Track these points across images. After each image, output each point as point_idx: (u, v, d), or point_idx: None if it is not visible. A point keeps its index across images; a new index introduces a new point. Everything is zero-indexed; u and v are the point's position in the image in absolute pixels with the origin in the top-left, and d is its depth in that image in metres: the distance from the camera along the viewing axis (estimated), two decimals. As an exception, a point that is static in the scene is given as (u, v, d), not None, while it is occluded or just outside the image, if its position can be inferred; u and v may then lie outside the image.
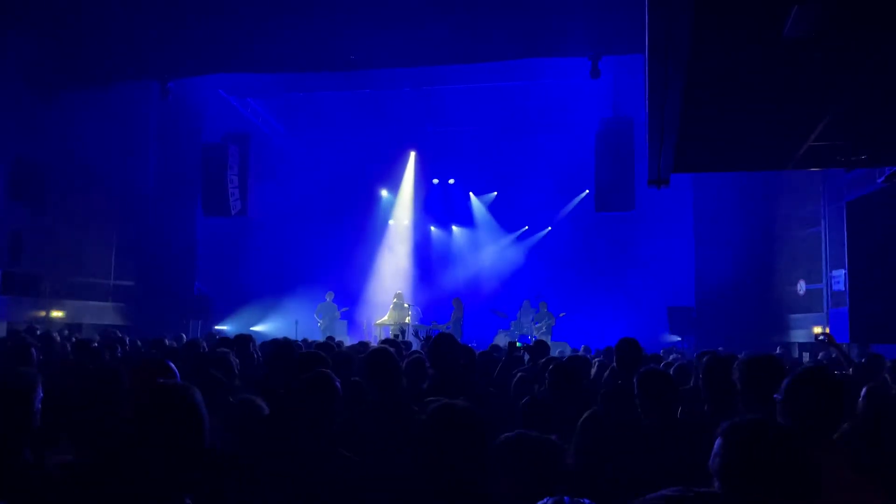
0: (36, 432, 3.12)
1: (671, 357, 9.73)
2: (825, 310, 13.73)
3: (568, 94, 16.33)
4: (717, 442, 2.02)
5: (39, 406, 3.16)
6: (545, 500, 1.72)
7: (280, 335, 12.40)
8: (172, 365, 2.92)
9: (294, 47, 13.25)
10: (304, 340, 9.18)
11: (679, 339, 16.19)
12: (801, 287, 14.63)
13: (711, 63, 4.16)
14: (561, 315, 16.39)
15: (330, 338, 11.44)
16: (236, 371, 5.34)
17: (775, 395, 3.01)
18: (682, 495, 1.76)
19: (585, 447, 3.48)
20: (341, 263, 19.72)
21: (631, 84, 13.95)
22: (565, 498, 1.72)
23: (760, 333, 14.38)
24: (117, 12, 12.67)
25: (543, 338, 14.89)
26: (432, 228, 21.29)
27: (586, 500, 1.72)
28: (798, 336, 14.48)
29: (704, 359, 4.86)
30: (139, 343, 8.79)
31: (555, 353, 9.31)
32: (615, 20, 11.37)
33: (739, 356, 4.36)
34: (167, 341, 9.45)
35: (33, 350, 6.13)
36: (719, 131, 5.66)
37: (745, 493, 1.89)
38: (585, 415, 3.75)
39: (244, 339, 7.19)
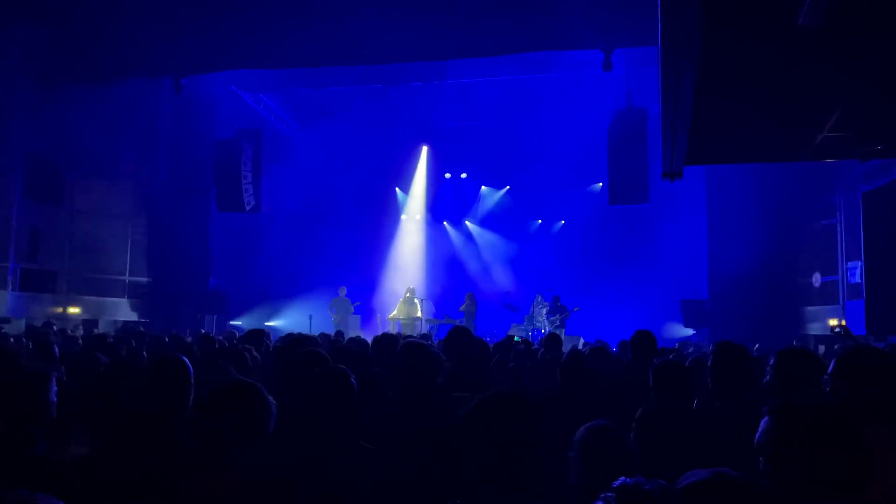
0: (51, 424, 3.17)
1: (688, 350, 9.69)
2: (841, 302, 13.64)
3: (580, 86, 16.26)
4: (766, 420, 2.00)
5: (54, 399, 3.21)
6: (621, 479, 1.74)
7: (294, 330, 12.44)
8: (186, 360, 2.94)
9: (306, 43, 13.27)
10: (321, 335, 9.18)
11: (693, 332, 16.12)
12: (817, 279, 14.54)
13: (724, 54, 4.13)
14: (575, 309, 16.34)
15: (339, 333, 11.48)
16: (251, 365, 5.37)
17: (823, 377, 2.97)
18: (719, 478, 1.74)
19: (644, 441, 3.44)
20: (354, 258, 19.76)
21: (644, 76, 13.88)
22: (640, 478, 1.73)
23: (775, 326, 14.28)
24: (132, 9, 12.74)
25: (557, 332, 14.86)
26: (445, 223, 21.28)
27: (662, 482, 1.73)
28: (814, 329, 14.39)
29: (712, 349, 4.84)
30: (166, 338, 8.83)
31: (568, 346, 9.31)
32: (627, 12, 11.31)
33: (754, 349, 4.32)
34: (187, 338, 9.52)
35: (55, 346, 6.22)
36: (733, 123, 5.62)
37: (794, 472, 1.87)
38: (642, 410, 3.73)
39: (258, 335, 7.22)
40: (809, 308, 14.74)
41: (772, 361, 3.63)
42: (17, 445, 2.82)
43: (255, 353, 5.70)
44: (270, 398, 2.33)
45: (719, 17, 3.66)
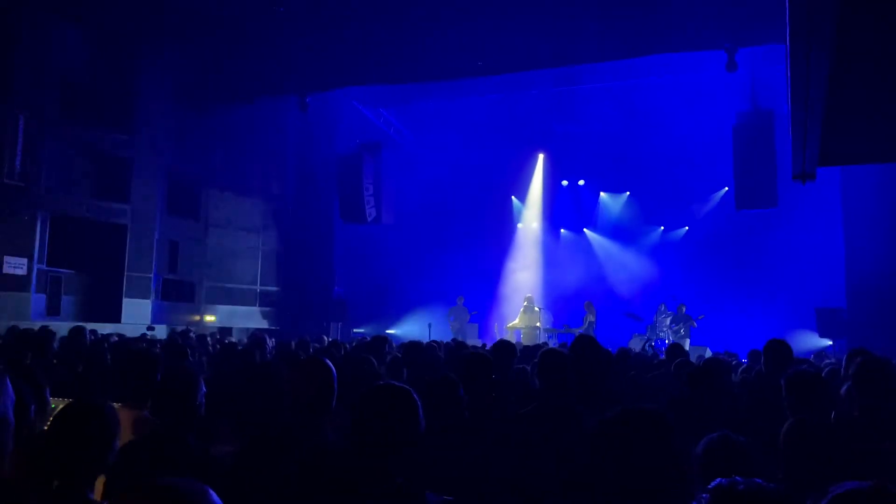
0: (200, 423, 3.40)
1: (824, 363, 9.17)
2: None
3: (701, 88, 15.79)
4: None
5: (203, 399, 3.44)
6: (717, 480, 1.72)
7: (414, 337, 12.72)
8: (329, 362, 3.11)
9: (423, 57, 13.58)
10: (433, 342, 9.36)
11: (830, 342, 15.22)
12: (970, 285, 13.40)
13: (860, 46, 3.93)
14: (700, 318, 15.80)
15: (455, 340, 11.62)
16: (376, 371, 5.57)
17: None
18: (878, 489, 1.67)
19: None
20: (472, 267, 19.92)
21: (769, 74, 13.32)
22: (737, 478, 1.71)
23: (921, 336, 13.26)
24: (258, 31, 13.45)
25: (681, 341, 14.43)
26: (563, 231, 21.10)
27: (758, 480, 1.70)
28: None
29: (857, 359, 4.57)
30: (293, 344, 9.27)
31: (693, 357, 9.03)
32: (752, 8, 10.90)
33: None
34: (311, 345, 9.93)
35: (188, 350, 6.68)
36: (870, 119, 5.31)
37: None
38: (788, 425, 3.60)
39: (381, 341, 7.50)
40: (960, 316, 13.59)
41: None
42: (173, 442, 3.05)
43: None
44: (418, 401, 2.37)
45: (854, 5, 3.49)
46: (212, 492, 1.35)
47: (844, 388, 4.16)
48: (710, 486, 1.73)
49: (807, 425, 3.22)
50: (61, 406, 2.45)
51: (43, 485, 2.21)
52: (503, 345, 5.82)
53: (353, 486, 2.21)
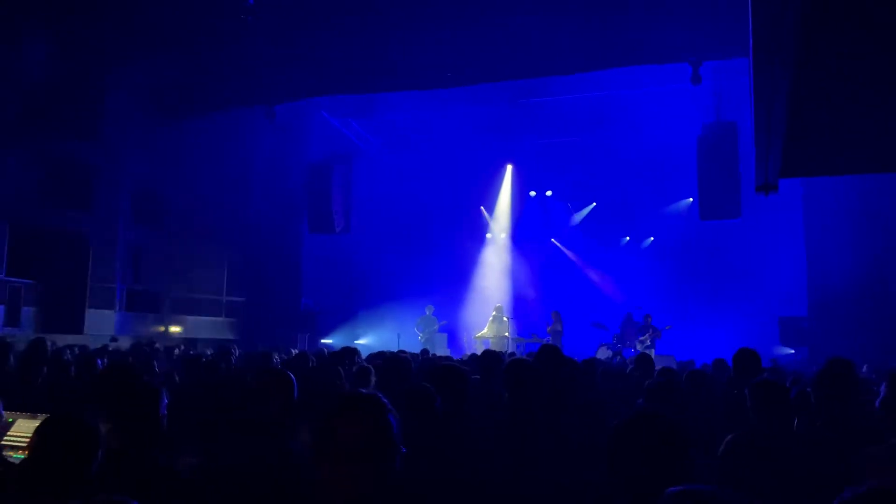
0: (164, 436, 3.34)
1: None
2: (955, 319, 12.83)
3: (666, 100, 16.00)
4: None
5: (165, 412, 3.38)
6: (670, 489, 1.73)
7: (382, 349, 12.65)
8: (290, 373, 3.06)
9: (392, 68, 13.57)
10: (402, 352, 9.32)
11: (792, 351, 15.47)
12: (927, 295, 13.72)
13: (822, 59, 4.01)
14: (667, 328, 15.97)
15: (424, 351, 11.60)
16: (343, 382, 5.53)
17: None
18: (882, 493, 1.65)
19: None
20: (441, 277, 19.93)
21: (733, 87, 13.57)
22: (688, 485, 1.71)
23: (881, 344, 13.51)
24: (227, 41, 13.34)
25: (647, 351, 14.55)
26: (530, 241, 21.22)
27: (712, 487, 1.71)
28: (925, 348, 13.57)
29: (817, 369, 4.65)
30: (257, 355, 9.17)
31: (659, 367, 9.09)
32: (716, 22, 11.09)
33: (862, 370, 4.15)
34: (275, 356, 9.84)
35: (154, 362, 6.58)
36: (832, 132, 5.41)
37: None
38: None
39: (350, 353, 7.46)
40: (920, 326, 13.90)
41: (884, 385, 3.47)
42: (135, 457, 2.98)
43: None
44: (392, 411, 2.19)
45: (816, 19, 3.56)
46: None
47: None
48: (666, 493, 1.73)
49: (744, 438, 3.25)
50: (39, 421, 2.38)
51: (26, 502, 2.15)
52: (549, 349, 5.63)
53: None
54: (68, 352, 8.97)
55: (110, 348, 11.12)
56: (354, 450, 1.90)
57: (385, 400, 2.05)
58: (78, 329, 14.08)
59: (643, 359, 7.76)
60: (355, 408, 2.00)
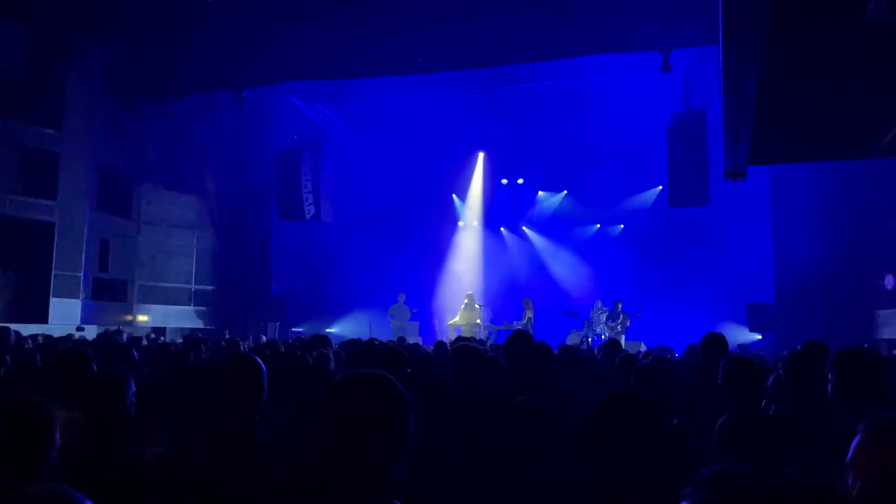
0: (131, 425, 3.29)
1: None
2: (915, 304, 13.12)
3: (636, 88, 16.09)
4: (858, 437, 1.90)
5: (133, 400, 3.34)
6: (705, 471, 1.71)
7: (354, 336, 12.60)
8: (258, 359, 3.03)
9: (361, 53, 13.46)
10: (373, 340, 9.29)
11: (759, 336, 15.72)
12: (889, 281, 14.00)
13: (789, 49, 4.06)
14: (637, 315, 16.12)
15: (401, 339, 11.59)
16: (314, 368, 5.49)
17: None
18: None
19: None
20: (412, 265, 19.90)
21: (703, 76, 13.68)
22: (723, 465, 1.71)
23: (846, 330, 13.75)
24: (193, 24, 13.13)
25: (618, 337, 14.68)
26: (502, 229, 21.26)
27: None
28: (886, 333, 13.86)
29: (786, 353, 4.72)
30: (223, 342, 9.10)
31: (631, 352, 9.18)
32: (686, 11, 11.17)
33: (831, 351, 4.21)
34: (242, 344, 9.79)
35: (133, 350, 6.50)
36: (798, 120, 5.49)
37: (885, 490, 1.77)
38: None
39: (321, 340, 7.38)
40: (881, 312, 14.20)
41: (831, 362, 3.52)
42: (100, 446, 2.94)
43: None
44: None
45: (783, 11, 3.60)
46: (79, 495, 1.34)
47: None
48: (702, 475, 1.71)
49: (740, 422, 3.28)
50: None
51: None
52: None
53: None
54: (30, 341, 8.83)
55: (76, 337, 10.96)
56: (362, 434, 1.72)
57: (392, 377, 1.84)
58: (42, 318, 13.82)
59: (612, 344, 7.83)
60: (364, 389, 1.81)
